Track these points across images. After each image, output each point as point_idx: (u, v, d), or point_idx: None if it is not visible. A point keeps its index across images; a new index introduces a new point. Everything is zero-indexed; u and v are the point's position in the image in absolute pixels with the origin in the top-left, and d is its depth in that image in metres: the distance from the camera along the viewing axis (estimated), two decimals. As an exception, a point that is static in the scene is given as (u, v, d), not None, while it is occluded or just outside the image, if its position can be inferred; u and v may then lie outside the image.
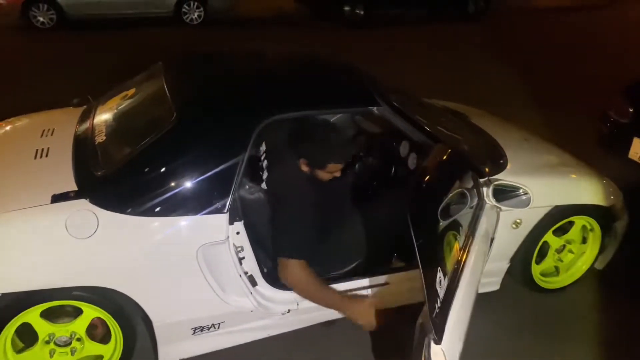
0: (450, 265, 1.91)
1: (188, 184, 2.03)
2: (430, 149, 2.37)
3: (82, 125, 2.49)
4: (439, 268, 1.78)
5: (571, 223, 2.73)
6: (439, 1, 10.79)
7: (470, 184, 2.23)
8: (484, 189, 2.28)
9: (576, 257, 2.83)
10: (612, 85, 4.21)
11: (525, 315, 2.71)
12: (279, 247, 2.14)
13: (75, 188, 2.02)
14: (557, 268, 2.84)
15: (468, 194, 2.22)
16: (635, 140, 3.62)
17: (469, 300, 1.87)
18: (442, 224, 2.18)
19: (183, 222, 2.03)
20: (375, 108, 2.32)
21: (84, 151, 2.24)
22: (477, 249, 2.05)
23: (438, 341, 1.57)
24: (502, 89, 6.16)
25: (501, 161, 2.56)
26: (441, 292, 1.72)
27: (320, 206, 2.19)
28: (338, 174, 2.30)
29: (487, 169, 2.41)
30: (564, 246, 2.79)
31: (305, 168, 2.24)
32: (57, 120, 2.66)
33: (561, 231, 2.74)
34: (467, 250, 2.00)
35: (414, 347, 1.70)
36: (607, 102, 4.07)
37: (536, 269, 2.75)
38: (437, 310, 1.65)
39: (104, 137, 2.28)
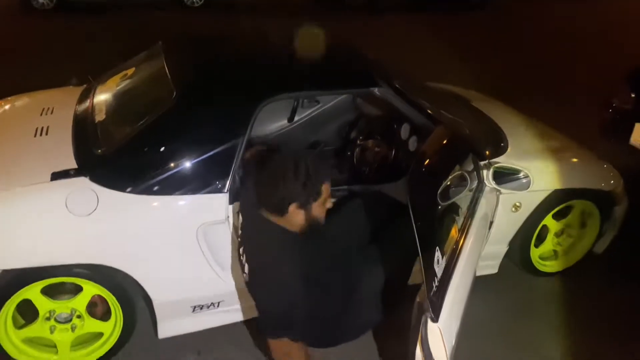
0: (448, 246, 1.91)
1: (188, 163, 2.03)
2: (431, 131, 2.36)
3: (82, 104, 2.48)
4: (437, 248, 1.78)
5: (570, 207, 2.74)
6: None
7: (470, 167, 2.23)
8: (484, 172, 2.28)
9: (575, 241, 2.84)
10: (614, 72, 4.18)
11: (522, 298, 2.73)
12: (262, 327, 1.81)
13: (75, 166, 2.02)
14: (555, 252, 2.85)
15: (468, 176, 2.22)
16: (637, 126, 3.60)
17: (466, 281, 1.88)
18: (442, 206, 2.18)
19: (183, 201, 2.04)
20: (376, 89, 2.31)
21: (84, 130, 2.24)
22: (476, 232, 2.05)
23: (435, 319, 1.58)
24: (504, 76, 6.12)
25: (502, 144, 2.55)
26: (439, 271, 1.72)
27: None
28: (330, 204, 1.88)
29: (487, 152, 2.41)
30: (563, 230, 2.80)
31: (299, 215, 1.78)
32: (57, 99, 2.66)
33: (560, 215, 2.74)
34: (465, 232, 2.00)
35: (411, 326, 1.71)
36: (610, 89, 4.04)
37: (535, 253, 2.75)
38: (434, 289, 1.65)
39: (104, 116, 2.27)
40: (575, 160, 2.73)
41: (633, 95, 3.81)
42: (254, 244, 1.88)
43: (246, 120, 2.08)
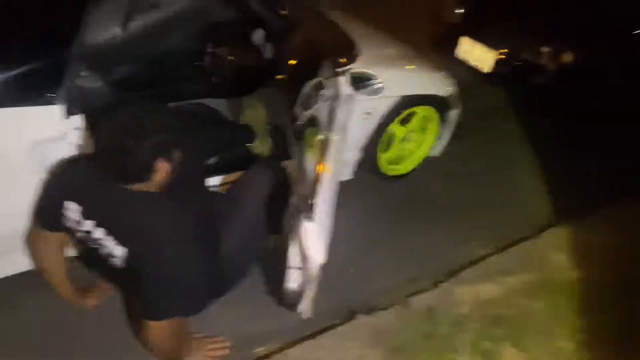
0: (316, 151, 1.92)
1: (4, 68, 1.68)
2: (287, 36, 2.29)
3: None
4: (308, 153, 1.77)
5: (413, 113, 2.92)
6: None
7: (327, 74, 2.23)
8: (340, 78, 2.30)
9: (417, 145, 3.07)
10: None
11: (378, 200, 2.91)
12: (147, 311, 1.57)
13: None
14: (400, 156, 3.05)
15: (325, 84, 2.22)
16: (462, 40, 3.92)
17: (334, 184, 1.92)
18: (304, 114, 2.17)
19: (4, 115, 1.71)
20: None
21: None
22: (338, 137, 2.09)
23: (311, 218, 1.59)
24: None
25: (354, 52, 2.58)
26: (310, 174, 1.72)
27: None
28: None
29: (342, 59, 2.42)
30: (407, 135, 2.99)
31: (164, 169, 1.53)
32: None
33: (405, 121, 2.91)
34: (328, 137, 2.03)
35: (288, 228, 1.70)
36: (440, 2, 4.30)
37: (383, 158, 2.92)
38: (308, 190, 1.65)
39: None
40: (419, 68, 2.88)
41: (459, 10, 4.12)
42: (125, 224, 1.56)
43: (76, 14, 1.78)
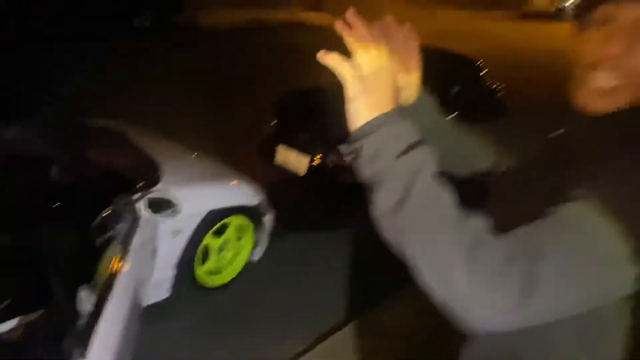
0: (102, 279, 1.96)
1: None
2: (85, 168, 2.38)
3: None
4: (86, 284, 1.81)
5: (227, 224, 3.09)
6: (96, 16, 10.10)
7: (124, 200, 2.34)
8: (138, 204, 2.42)
9: (235, 253, 3.21)
10: (267, 99, 4.83)
11: (198, 314, 2.94)
12: None
13: None
14: (219, 267, 3.17)
15: (123, 209, 2.31)
16: (279, 148, 4.29)
17: (122, 311, 1.95)
18: (98, 239, 2.21)
19: None
20: (6, 131, 2.18)
21: None
22: (133, 262, 2.16)
23: (83, 354, 1.60)
24: (175, 109, 6.12)
25: (156, 174, 2.72)
26: (88, 305, 1.75)
27: None
28: None
29: (141, 184, 2.55)
30: (224, 246, 3.13)
31: None
32: None
33: (219, 233, 3.06)
34: (121, 264, 2.09)
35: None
36: (261, 115, 4.72)
37: (201, 271, 3.01)
38: (82, 325, 1.67)
39: None
40: (225, 181, 3.10)
41: (276, 121, 4.55)
42: None
43: None
